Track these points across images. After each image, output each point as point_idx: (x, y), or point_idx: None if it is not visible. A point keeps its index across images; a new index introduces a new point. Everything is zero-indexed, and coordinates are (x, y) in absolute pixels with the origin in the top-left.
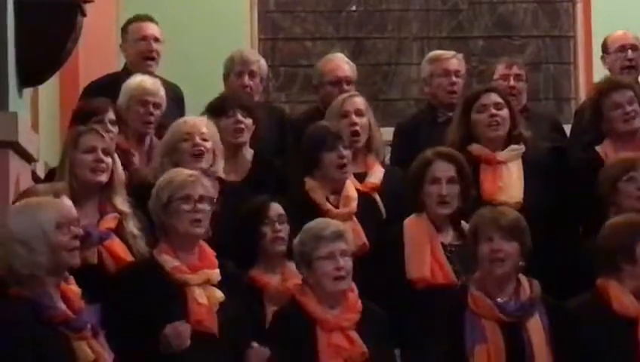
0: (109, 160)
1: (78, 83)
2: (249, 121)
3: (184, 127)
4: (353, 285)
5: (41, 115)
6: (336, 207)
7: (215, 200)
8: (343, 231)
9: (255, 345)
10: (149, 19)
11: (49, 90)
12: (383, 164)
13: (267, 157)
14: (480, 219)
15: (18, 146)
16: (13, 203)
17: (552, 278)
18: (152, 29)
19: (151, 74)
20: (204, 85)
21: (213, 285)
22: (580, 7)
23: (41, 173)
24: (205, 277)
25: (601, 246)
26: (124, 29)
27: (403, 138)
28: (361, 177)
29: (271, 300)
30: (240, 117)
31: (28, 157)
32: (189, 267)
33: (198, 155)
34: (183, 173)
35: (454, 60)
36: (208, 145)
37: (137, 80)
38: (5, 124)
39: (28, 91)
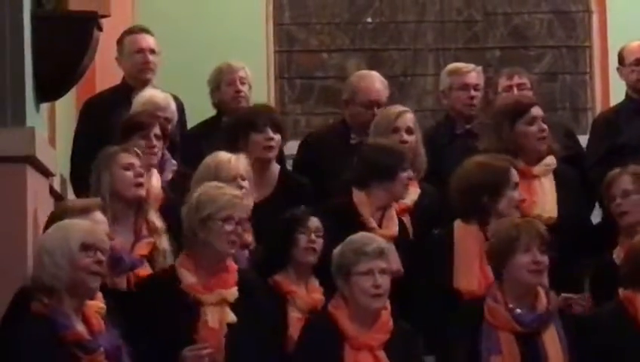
0: (144, 176)
1: None
2: (278, 137)
3: (229, 171)
4: (387, 303)
5: (58, 130)
6: (379, 226)
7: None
8: (385, 249)
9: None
10: (144, 30)
11: (66, 104)
12: (419, 181)
13: (291, 172)
14: (520, 228)
15: (35, 161)
16: (49, 216)
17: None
18: (147, 40)
19: (148, 85)
20: None
21: (230, 303)
22: (595, 17)
23: (58, 187)
24: (220, 297)
25: (628, 261)
26: (120, 42)
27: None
28: None
29: (297, 308)
30: (271, 133)
31: (45, 172)
32: (205, 285)
33: None
34: (228, 192)
35: (473, 74)
36: (245, 184)
37: (148, 94)
38: (23, 139)
39: (45, 106)
